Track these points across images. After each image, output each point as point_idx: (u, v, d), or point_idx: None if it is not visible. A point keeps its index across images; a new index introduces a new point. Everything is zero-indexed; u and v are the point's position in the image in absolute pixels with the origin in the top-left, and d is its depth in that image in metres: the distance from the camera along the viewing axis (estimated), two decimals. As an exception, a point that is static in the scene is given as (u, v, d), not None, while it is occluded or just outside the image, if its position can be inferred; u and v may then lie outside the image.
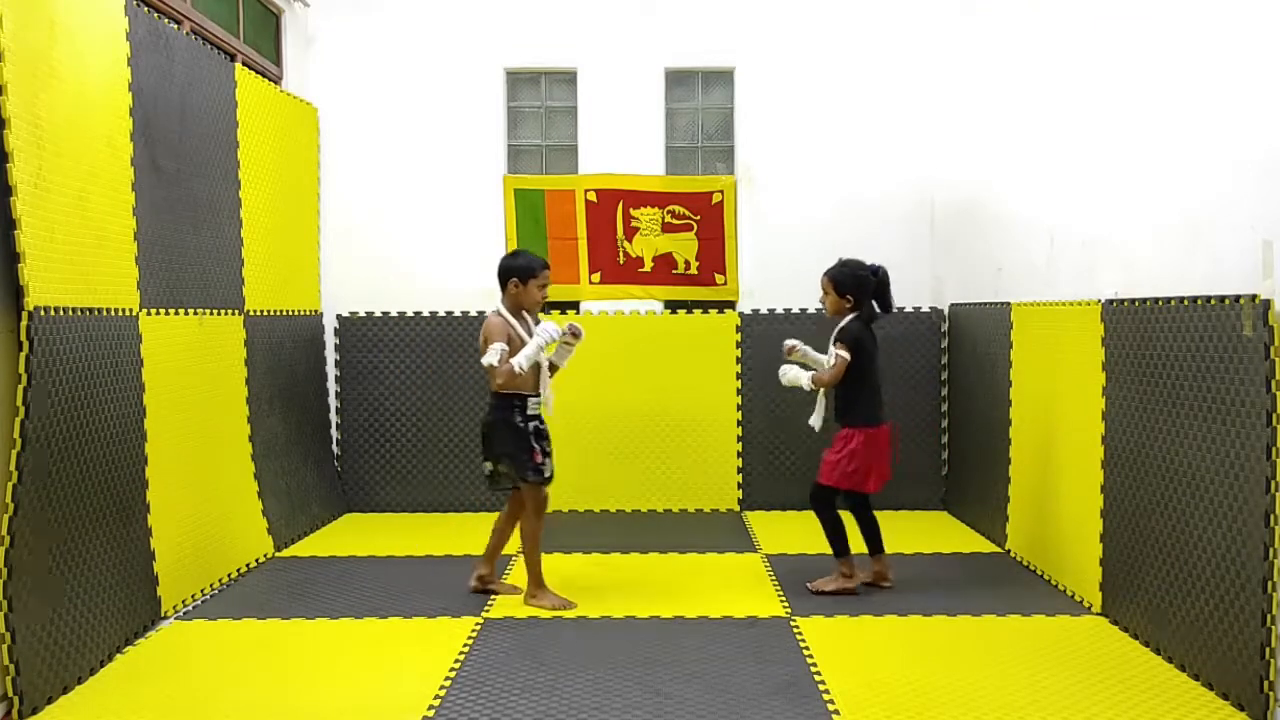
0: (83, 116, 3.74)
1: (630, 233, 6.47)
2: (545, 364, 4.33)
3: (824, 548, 4.58)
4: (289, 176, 5.89)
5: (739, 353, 6.36)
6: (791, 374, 4.48)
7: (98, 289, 3.79)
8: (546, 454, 4.34)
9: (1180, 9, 3.67)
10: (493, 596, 4.47)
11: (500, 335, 4.20)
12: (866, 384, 4.45)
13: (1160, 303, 3.70)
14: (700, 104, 6.71)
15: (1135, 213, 3.98)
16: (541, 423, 4.37)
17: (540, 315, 4.51)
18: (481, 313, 6.39)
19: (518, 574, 4.72)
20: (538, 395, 4.34)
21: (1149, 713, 3.23)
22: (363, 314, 6.41)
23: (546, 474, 4.33)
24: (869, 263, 4.54)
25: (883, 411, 4.52)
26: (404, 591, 4.56)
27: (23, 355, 3.29)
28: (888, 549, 4.65)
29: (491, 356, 4.12)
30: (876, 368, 4.50)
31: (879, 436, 4.46)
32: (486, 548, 4.59)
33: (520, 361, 4.13)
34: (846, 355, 4.37)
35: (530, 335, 4.25)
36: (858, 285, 4.46)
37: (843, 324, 4.46)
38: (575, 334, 4.35)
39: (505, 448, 4.31)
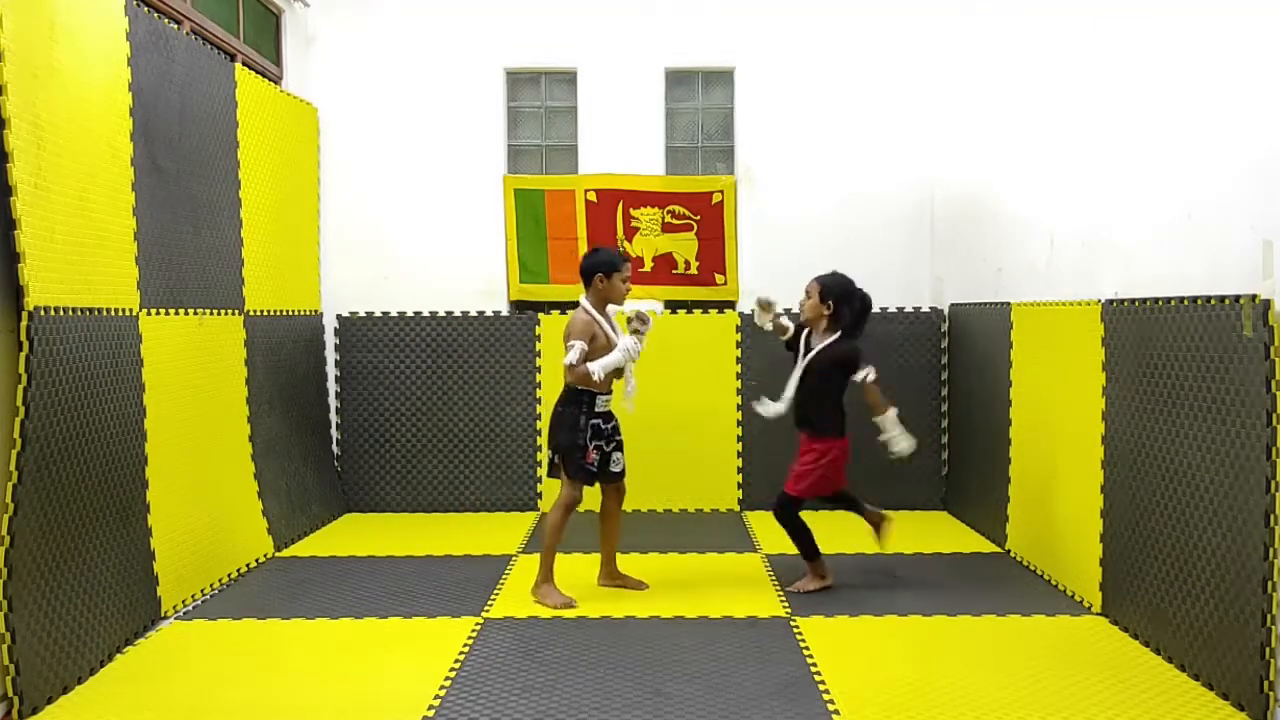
0: (83, 116, 3.74)
1: (630, 233, 6.48)
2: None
3: (824, 548, 4.59)
4: (289, 176, 5.89)
5: (739, 353, 6.36)
6: (900, 440, 4.47)
7: (98, 289, 3.79)
8: (606, 453, 4.39)
9: (1180, 9, 3.67)
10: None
11: (583, 333, 4.29)
12: (841, 398, 4.52)
13: (1160, 303, 3.70)
14: (700, 104, 6.70)
15: (1135, 213, 3.98)
16: (606, 421, 4.41)
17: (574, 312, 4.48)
18: (481, 312, 6.41)
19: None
20: (608, 394, 4.41)
21: (1149, 713, 3.23)
22: (363, 314, 6.41)
23: (595, 476, 4.38)
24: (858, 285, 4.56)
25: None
26: (404, 591, 4.57)
27: (23, 355, 3.29)
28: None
29: (571, 355, 4.23)
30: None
31: (847, 447, 4.54)
32: (601, 550, 4.63)
33: (597, 369, 4.21)
34: (875, 374, 4.43)
35: (615, 330, 4.37)
36: (843, 298, 4.50)
37: (845, 347, 4.46)
38: (643, 320, 4.37)
39: (561, 441, 4.36)
